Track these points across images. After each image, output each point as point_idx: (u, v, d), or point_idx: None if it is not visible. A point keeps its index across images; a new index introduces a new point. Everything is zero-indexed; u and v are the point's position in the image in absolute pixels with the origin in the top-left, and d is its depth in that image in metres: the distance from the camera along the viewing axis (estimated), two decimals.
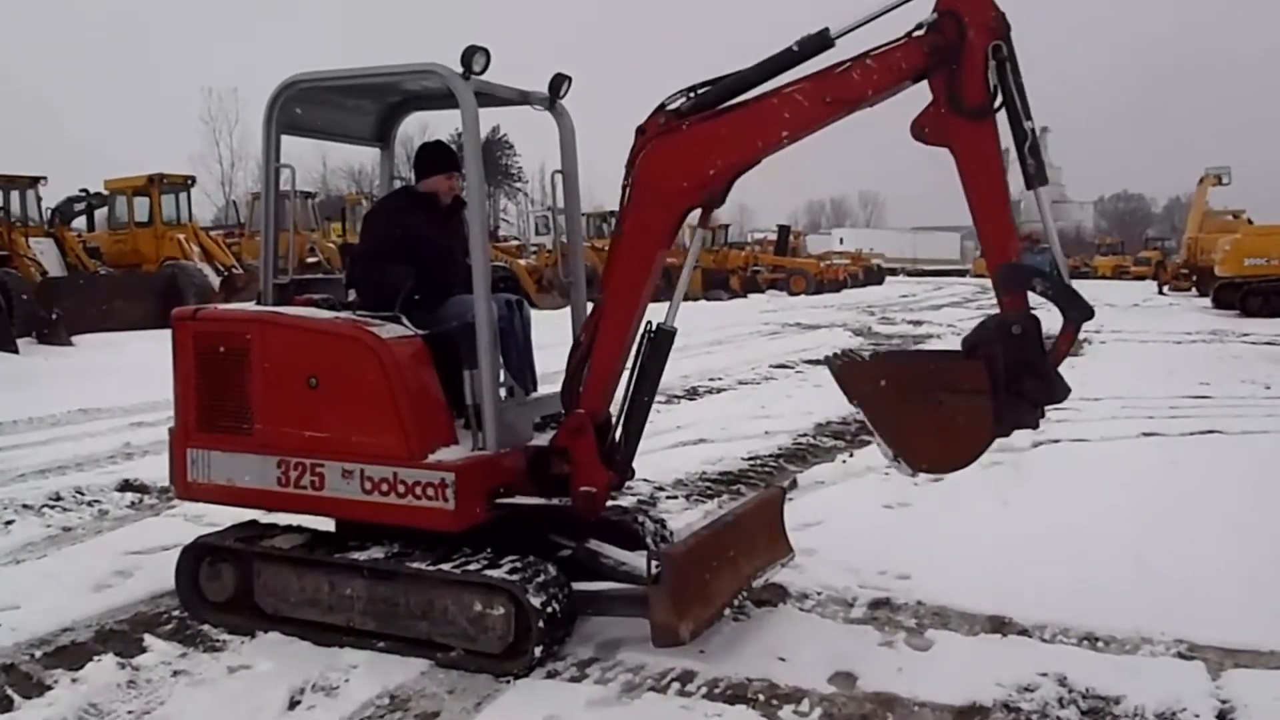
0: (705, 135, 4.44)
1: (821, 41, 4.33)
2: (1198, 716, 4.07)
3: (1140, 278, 57.26)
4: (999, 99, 4.19)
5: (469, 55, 4.66)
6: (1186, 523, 6.62)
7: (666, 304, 4.69)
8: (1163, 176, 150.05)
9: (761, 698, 4.23)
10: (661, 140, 4.50)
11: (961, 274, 77.66)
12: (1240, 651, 4.67)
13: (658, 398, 12.42)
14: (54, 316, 17.57)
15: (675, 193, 4.53)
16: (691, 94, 4.51)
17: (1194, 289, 35.70)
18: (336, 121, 5.82)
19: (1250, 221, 32.98)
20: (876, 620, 5.11)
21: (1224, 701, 4.20)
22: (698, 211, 4.62)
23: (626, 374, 4.75)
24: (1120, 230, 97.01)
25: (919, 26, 4.23)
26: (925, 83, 4.28)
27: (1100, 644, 4.81)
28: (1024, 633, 4.94)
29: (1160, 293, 40.26)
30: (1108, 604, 5.14)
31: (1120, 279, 60.61)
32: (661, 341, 4.66)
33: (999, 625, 5.02)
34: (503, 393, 5.07)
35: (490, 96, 5.12)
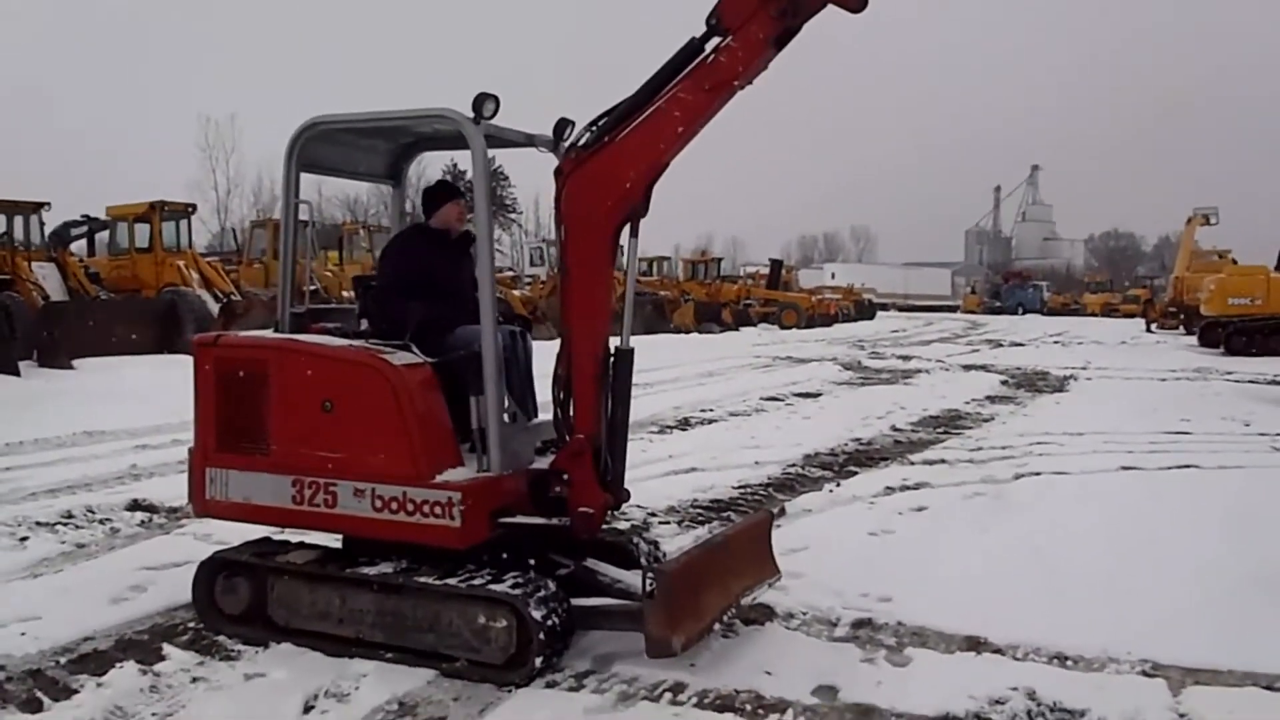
0: (614, 155, 4.87)
1: (690, 49, 4.80)
2: None
3: (1130, 315, 57.65)
4: None
5: (480, 102, 4.97)
6: (1159, 552, 6.86)
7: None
8: (1154, 215, 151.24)
9: (748, 708, 4.50)
10: (577, 173, 4.93)
11: (952, 309, 78.24)
12: (1201, 670, 4.93)
13: (651, 428, 12.76)
14: (51, 338, 17.78)
15: (602, 213, 4.93)
16: (594, 127, 4.94)
17: (1181, 327, 36.17)
18: (351, 160, 6.12)
19: (1235, 261, 33.45)
20: (858, 639, 5.37)
21: (1182, 715, 4.48)
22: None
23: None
24: (1111, 268, 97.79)
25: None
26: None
27: (1070, 662, 5.07)
28: (998, 651, 5.20)
29: (1148, 330, 40.67)
30: (1079, 626, 5.39)
31: (1110, 316, 61.10)
32: (623, 363, 5.04)
33: (975, 644, 5.28)
34: (506, 418, 5.34)
35: (499, 139, 5.42)
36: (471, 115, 5.02)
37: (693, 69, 4.80)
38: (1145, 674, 4.93)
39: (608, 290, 5.10)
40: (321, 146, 5.67)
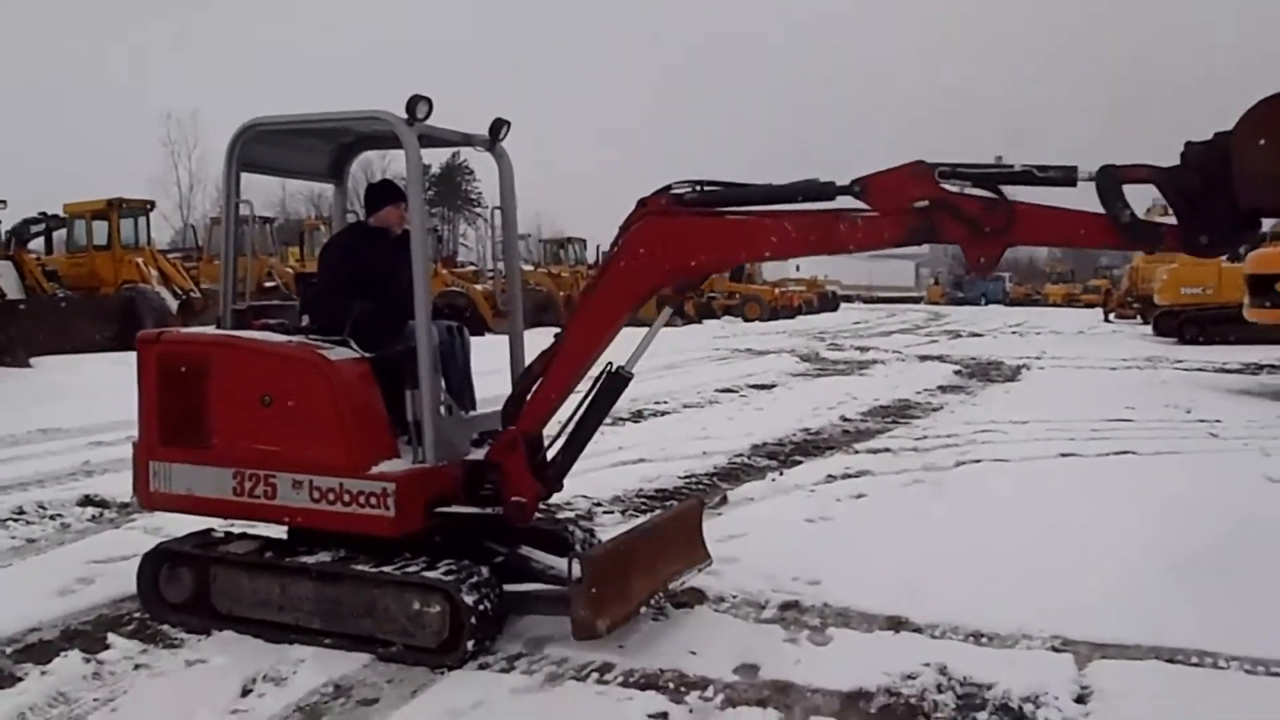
0: (699, 229, 4.82)
1: (825, 191, 4.59)
2: (1057, 699, 4.56)
3: (1091, 305, 58.38)
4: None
5: (413, 104, 5.12)
6: (1085, 536, 7.10)
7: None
8: None
9: (671, 685, 4.69)
10: (659, 219, 4.85)
11: (916, 301, 79.02)
12: (1108, 645, 5.15)
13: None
14: (8, 336, 17.72)
15: (657, 270, 4.92)
16: (698, 188, 4.84)
17: (1139, 317, 36.64)
18: (293, 160, 6.27)
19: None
20: (784, 620, 5.57)
21: (1084, 687, 4.69)
22: None
23: (577, 402, 5.21)
24: (1074, 258, 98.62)
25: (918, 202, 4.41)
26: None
27: (984, 640, 5.28)
28: (917, 630, 5.41)
29: (1106, 320, 41.17)
30: (998, 606, 5.60)
31: (1071, 307, 61.80)
32: (617, 383, 5.16)
33: (895, 624, 5.48)
34: (443, 411, 5.50)
35: (434, 139, 5.57)
36: (405, 116, 5.17)
37: (814, 213, 4.66)
38: (1055, 649, 5.15)
39: (619, 323, 5.10)
40: (261, 147, 5.81)
